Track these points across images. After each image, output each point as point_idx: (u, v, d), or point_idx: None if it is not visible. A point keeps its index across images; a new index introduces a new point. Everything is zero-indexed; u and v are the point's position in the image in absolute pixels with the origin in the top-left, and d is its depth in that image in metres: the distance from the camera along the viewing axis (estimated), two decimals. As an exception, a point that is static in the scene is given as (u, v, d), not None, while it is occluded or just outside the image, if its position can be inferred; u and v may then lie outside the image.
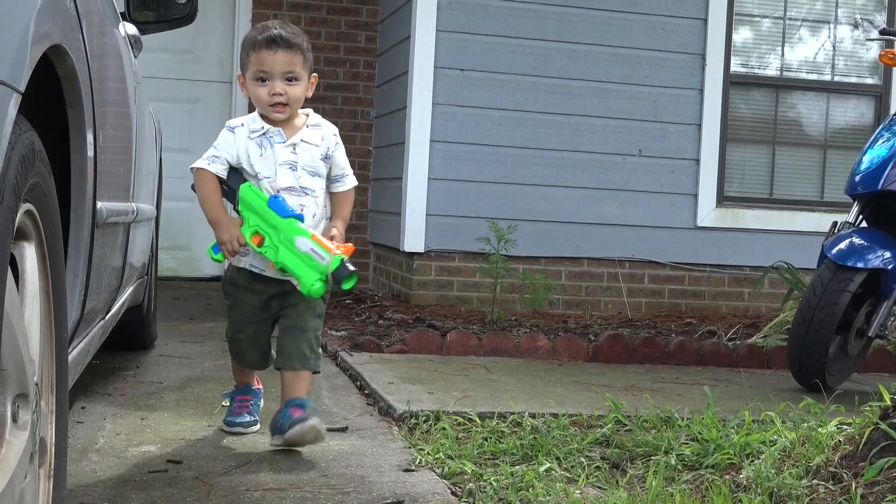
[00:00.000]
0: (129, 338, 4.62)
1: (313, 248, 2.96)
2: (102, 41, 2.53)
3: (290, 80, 3.09)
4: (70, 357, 2.18)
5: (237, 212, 3.10)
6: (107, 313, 3.07)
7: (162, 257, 6.87)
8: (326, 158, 3.16)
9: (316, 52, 7.97)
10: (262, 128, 3.11)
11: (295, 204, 3.07)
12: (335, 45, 7.82)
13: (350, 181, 3.24)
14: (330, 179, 3.20)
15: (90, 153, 2.18)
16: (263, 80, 3.08)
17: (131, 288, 3.77)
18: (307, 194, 3.11)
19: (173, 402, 3.71)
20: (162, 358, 4.63)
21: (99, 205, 2.37)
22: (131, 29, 3.68)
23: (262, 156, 3.09)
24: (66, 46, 1.82)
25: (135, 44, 3.71)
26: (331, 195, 3.22)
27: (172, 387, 4.00)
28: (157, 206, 4.78)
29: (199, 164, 3.11)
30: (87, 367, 2.95)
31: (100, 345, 3.06)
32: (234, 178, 3.11)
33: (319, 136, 3.16)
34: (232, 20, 7.90)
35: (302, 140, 3.12)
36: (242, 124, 3.14)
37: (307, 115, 3.20)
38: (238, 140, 3.10)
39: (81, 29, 2.10)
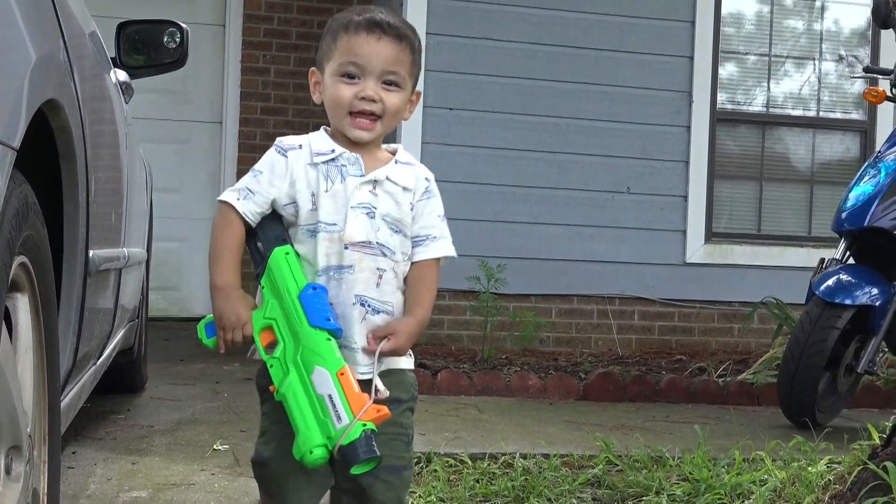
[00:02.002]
0: (120, 380, 4.62)
1: (332, 397, 1.96)
2: (94, 90, 2.55)
3: (390, 85, 2.12)
4: (62, 404, 2.18)
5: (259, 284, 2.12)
6: (98, 358, 3.08)
7: (152, 297, 6.85)
8: (413, 210, 2.17)
9: (304, 91, 8.03)
10: (332, 150, 2.13)
11: (370, 269, 2.09)
12: (324, 85, 7.85)
13: (441, 247, 2.22)
14: (411, 239, 2.18)
15: (82, 203, 2.19)
16: (351, 77, 2.10)
17: (122, 331, 3.78)
18: (385, 255, 2.11)
19: (164, 446, 3.71)
20: (153, 400, 4.63)
21: (91, 253, 2.38)
22: (122, 75, 3.71)
23: (328, 191, 2.09)
24: (59, 100, 1.84)
25: (125, 90, 3.74)
26: (410, 266, 2.19)
27: (163, 430, 3.99)
28: (148, 249, 4.79)
29: (226, 196, 2.12)
30: (78, 410, 2.96)
31: (91, 389, 3.06)
32: (271, 229, 2.12)
33: (411, 177, 2.17)
34: (221, 61, 7.94)
35: (388, 178, 2.13)
36: (300, 146, 2.14)
37: (393, 152, 2.20)
38: (294, 168, 2.11)
39: (74, 80, 2.12)
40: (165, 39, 3.96)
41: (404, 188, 2.15)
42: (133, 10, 6.44)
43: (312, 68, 2.18)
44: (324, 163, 2.11)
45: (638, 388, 5.29)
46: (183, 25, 3.99)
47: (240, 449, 3.64)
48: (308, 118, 7.77)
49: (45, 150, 2.01)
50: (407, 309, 2.13)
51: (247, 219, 2.08)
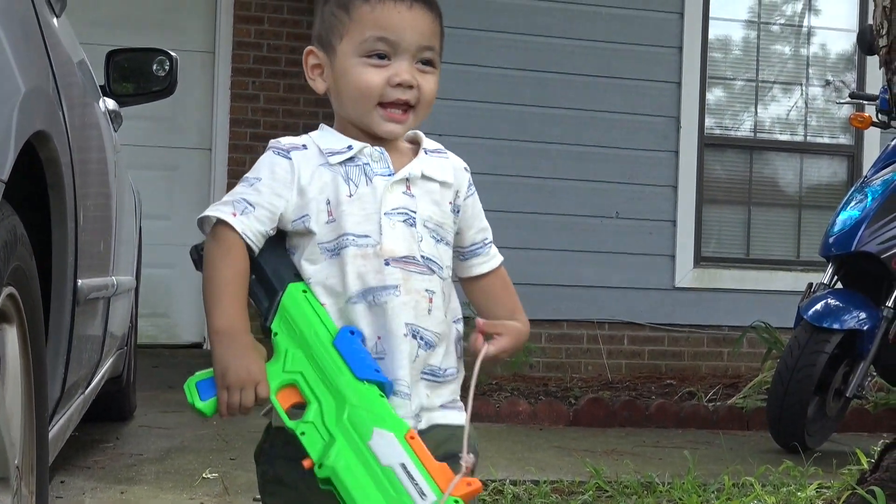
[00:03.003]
0: (109, 408, 4.60)
1: (407, 467, 1.51)
2: (83, 119, 2.56)
3: (426, 65, 1.68)
4: (50, 434, 2.18)
5: (267, 331, 1.64)
6: (87, 387, 3.07)
7: (141, 324, 6.84)
8: (457, 212, 1.77)
9: (294, 118, 8.07)
10: (349, 147, 1.67)
11: (418, 291, 1.65)
12: (314, 112, 7.86)
13: (497, 253, 1.86)
14: (461, 250, 1.80)
15: (71, 232, 2.19)
16: (381, 58, 1.66)
17: (111, 360, 3.77)
18: (433, 272, 1.68)
19: (153, 475, 3.69)
20: (142, 429, 4.61)
21: (80, 282, 2.38)
22: (111, 104, 3.72)
23: (352, 196, 1.65)
24: (48, 131, 1.84)
25: (115, 119, 3.74)
26: (468, 283, 1.83)
27: (152, 458, 3.98)
28: (137, 276, 4.79)
29: (216, 211, 1.64)
30: (66, 439, 2.94)
31: (80, 418, 3.05)
32: (280, 260, 1.66)
33: (449, 169, 1.75)
34: (210, 87, 7.95)
35: (423, 174, 1.71)
36: (304, 145, 1.68)
37: (413, 141, 1.76)
38: (302, 171, 1.66)
39: (62, 110, 2.13)
40: (155, 67, 3.97)
41: (442, 183, 1.72)
42: (122, 38, 6.47)
43: (309, 47, 1.72)
44: (341, 162, 1.66)
45: (628, 413, 5.29)
46: (172, 53, 4.01)
47: (229, 477, 3.63)
48: (297, 144, 7.78)
49: (34, 179, 2.02)
50: (507, 318, 1.76)
51: (247, 240, 1.61)
